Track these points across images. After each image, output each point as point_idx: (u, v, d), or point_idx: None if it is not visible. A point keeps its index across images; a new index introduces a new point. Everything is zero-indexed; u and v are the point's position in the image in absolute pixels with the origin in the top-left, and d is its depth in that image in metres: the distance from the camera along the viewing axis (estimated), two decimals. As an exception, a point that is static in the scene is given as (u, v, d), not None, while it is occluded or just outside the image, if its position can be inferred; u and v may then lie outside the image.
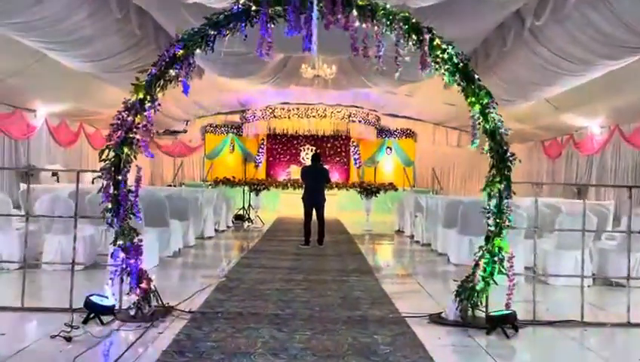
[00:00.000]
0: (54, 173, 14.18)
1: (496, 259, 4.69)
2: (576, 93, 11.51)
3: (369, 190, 13.51)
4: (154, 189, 10.30)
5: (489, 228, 4.77)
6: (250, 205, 13.88)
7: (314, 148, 21.62)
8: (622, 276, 5.86)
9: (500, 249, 4.69)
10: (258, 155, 21.60)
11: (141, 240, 4.71)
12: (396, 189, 18.41)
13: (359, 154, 21.83)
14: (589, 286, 6.43)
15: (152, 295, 4.68)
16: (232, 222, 13.47)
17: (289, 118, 20.47)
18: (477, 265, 4.75)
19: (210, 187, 17.41)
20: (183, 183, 20.68)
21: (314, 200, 9.57)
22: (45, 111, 14.22)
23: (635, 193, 11.47)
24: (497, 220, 4.72)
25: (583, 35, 8.20)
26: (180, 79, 4.76)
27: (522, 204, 8.65)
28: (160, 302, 4.79)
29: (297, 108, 20.43)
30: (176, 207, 8.81)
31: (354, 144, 21.78)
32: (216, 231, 11.31)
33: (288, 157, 21.88)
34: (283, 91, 18.30)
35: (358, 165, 21.67)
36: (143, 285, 4.60)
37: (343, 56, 10.60)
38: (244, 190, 14.05)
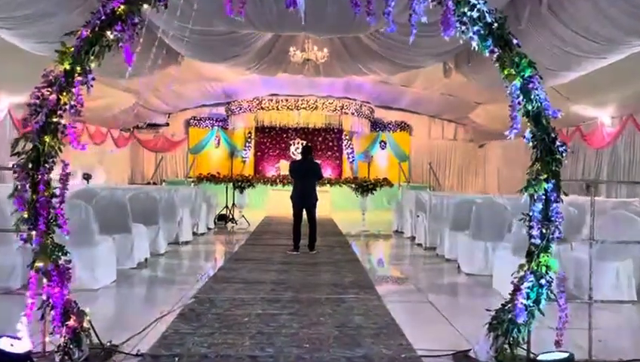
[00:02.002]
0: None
1: (543, 281, 3.55)
2: (585, 81, 10.43)
3: (364, 186, 12.36)
4: (112, 189, 9.06)
5: (532, 240, 3.61)
6: (234, 204, 12.69)
7: (304, 142, 20.47)
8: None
9: (548, 268, 3.55)
10: (245, 150, 20.37)
11: (69, 261, 3.52)
12: (391, 185, 17.33)
13: (352, 148, 20.69)
14: (632, 303, 5.38)
15: (84, 334, 3.49)
16: (215, 223, 12.28)
17: (278, 109, 19.26)
18: (517, 289, 3.60)
19: (193, 184, 16.19)
20: (164, 180, 19.44)
21: (304, 201, 8.41)
22: (8, 102, 12.91)
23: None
24: (544, 230, 3.57)
25: (612, 7, 7.11)
26: (121, 45, 3.56)
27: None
28: (98, 342, 3.61)
29: (287, 100, 19.22)
30: (143, 209, 7.61)
31: (347, 137, 20.63)
32: (194, 234, 10.11)
33: (277, 151, 20.68)
34: (271, 80, 17.08)
35: (351, 160, 20.52)
36: (71, 322, 3.41)
37: (334, 36, 9.43)
38: (227, 187, 12.85)
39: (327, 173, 19.83)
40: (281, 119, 19.46)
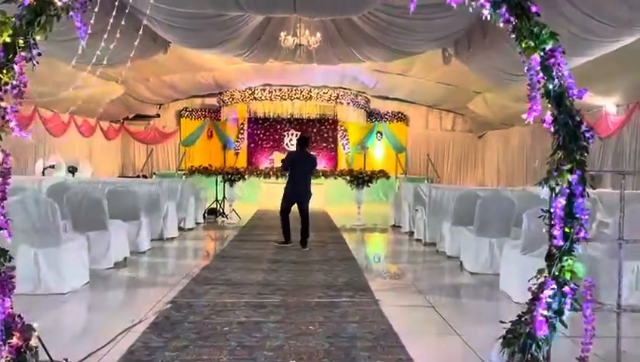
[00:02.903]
0: None
1: (566, 289, 3.05)
2: (590, 67, 9.91)
3: (360, 178, 11.83)
4: (90, 183, 8.54)
5: (553, 241, 3.11)
6: (224, 197, 12.17)
7: (299, 132, 19.93)
8: None
9: (573, 274, 3.06)
10: (238, 141, 19.79)
11: (13, 268, 3.00)
12: (388, 177, 16.79)
13: (347, 139, 20.15)
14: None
15: (30, 353, 2.98)
16: (204, 217, 11.77)
17: (271, 99, 18.66)
18: (536, 298, 3.10)
19: (184, 176, 15.65)
20: (155, 173, 18.89)
21: (300, 194, 7.92)
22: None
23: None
24: (567, 229, 3.07)
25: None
26: (71, 15, 3.03)
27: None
28: (49, 360, 3.10)
29: (280, 90, 18.62)
30: (123, 204, 7.10)
31: (342, 128, 20.08)
32: (181, 229, 9.59)
33: (271, 143, 20.09)
34: (264, 70, 16.53)
35: (346, 151, 20.00)
36: (14, 340, 2.90)
37: (327, 17, 8.87)
38: (217, 180, 12.32)
39: (322, 164, 19.33)
40: (274, 109, 18.86)
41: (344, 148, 20.10)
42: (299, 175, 7.94)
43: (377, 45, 10.07)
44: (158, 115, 20.40)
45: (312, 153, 8.74)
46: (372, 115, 20.17)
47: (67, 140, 16.31)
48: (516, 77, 11.44)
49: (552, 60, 3.06)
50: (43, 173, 12.41)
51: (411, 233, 9.64)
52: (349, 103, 18.97)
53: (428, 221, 8.64)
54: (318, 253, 7.68)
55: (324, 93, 18.68)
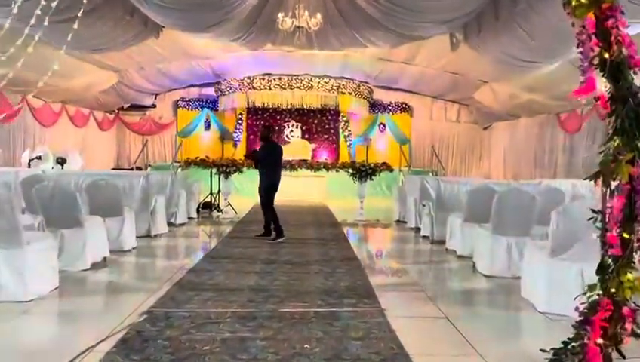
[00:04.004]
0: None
1: (625, 310, 2.43)
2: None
3: (363, 171, 11.19)
4: (69, 174, 7.96)
5: (609, 249, 2.48)
6: (219, 191, 11.56)
7: (299, 124, 19.29)
8: None
9: (634, 291, 2.43)
10: (236, 132, 19.16)
11: None
12: (391, 170, 16.16)
13: (350, 130, 19.50)
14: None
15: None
16: (199, 211, 11.17)
17: (270, 89, 17.99)
18: (588, 322, 2.48)
19: (180, 169, 15.05)
20: (150, 165, 18.28)
21: (276, 185, 7.90)
22: (-31, 80, 11.69)
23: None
24: (626, 235, 2.44)
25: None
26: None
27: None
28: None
29: (280, 79, 17.95)
30: (104, 199, 6.51)
31: (344, 119, 19.43)
32: (172, 225, 8.99)
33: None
34: (263, 58, 15.88)
35: (349, 143, 19.35)
36: None
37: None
38: (211, 172, 11.70)
39: (323, 157, 18.69)
40: (273, 99, 18.20)
41: (346, 140, 19.47)
42: (274, 169, 7.92)
43: (381, 28, 9.42)
44: (154, 105, 19.77)
45: (278, 144, 8.81)
46: (375, 106, 19.51)
47: (59, 131, 15.72)
48: (530, 64, 10.79)
49: (611, 21, 2.42)
50: (29, 164, 11.79)
51: (417, 229, 9.02)
52: (351, 93, 18.29)
53: (436, 217, 8.02)
54: (318, 251, 7.08)
55: (325, 82, 18.03)
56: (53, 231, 5.49)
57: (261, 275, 5.55)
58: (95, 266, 5.72)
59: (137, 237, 7.33)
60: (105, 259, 6.02)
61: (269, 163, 7.85)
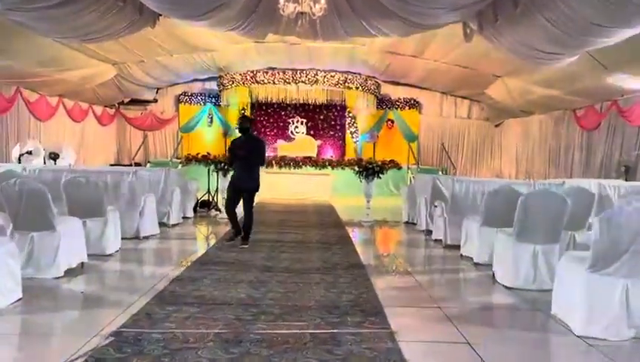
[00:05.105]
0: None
1: None
2: (626, 47, 8.55)
3: (370, 169, 10.53)
4: (49, 170, 7.36)
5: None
6: (217, 189, 10.94)
7: (304, 119, 18.66)
8: None
9: None
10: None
11: None
12: (399, 168, 15.49)
13: (356, 126, 18.84)
14: None
15: None
16: (196, 210, 10.56)
17: (274, 83, 17.35)
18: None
19: (181, 165, 14.47)
20: (150, 161, 17.70)
21: (242, 184, 7.05)
22: (-42, 72, 11.16)
23: None
24: None
25: None
26: None
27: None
28: None
29: (284, 73, 17.31)
30: (84, 198, 5.90)
31: (350, 115, 18.77)
32: (164, 225, 8.38)
33: (275, 130, 18.82)
34: (266, 50, 15.26)
35: (355, 140, 18.68)
36: None
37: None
38: (209, 170, 11.09)
39: (329, 153, 18.03)
40: (277, 94, 17.59)
41: (352, 137, 18.81)
42: (242, 162, 7.02)
43: (389, 15, 8.74)
44: (156, 100, 19.23)
45: (259, 138, 8.17)
46: (383, 102, 18.83)
47: (56, 125, 15.17)
48: (551, 55, 10.06)
49: None
50: (19, 160, 11.22)
51: (428, 231, 8.37)
52: (357, 88, 17.62)
53: (449, 219, 7.37)
54: (320, 257, 6.43)
55: (331, 76, 17.38)
56: (23, 234, 4.91)
57: (254, 285, 4.91)
58: (69, 273, 5.11)
59: (124, 239, 6.74)
60: (82, 264, 5.41)
61: (237, 157, 7.06)
